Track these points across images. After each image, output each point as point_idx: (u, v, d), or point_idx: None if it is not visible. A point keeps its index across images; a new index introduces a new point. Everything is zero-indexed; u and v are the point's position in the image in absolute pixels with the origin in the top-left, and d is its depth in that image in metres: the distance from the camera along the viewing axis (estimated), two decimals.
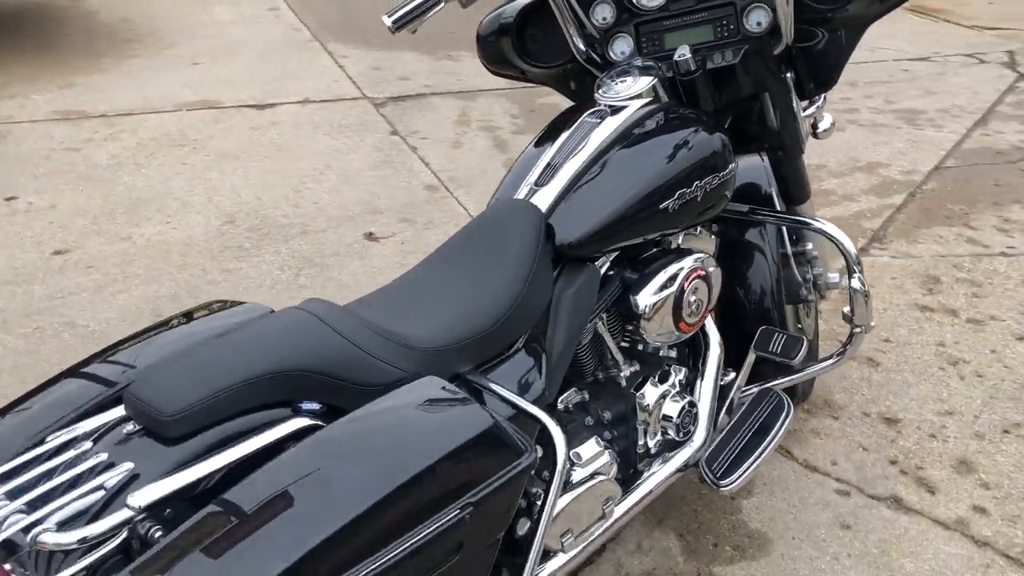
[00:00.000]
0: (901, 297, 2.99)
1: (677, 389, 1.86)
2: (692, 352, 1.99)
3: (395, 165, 3.95)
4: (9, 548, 1.15)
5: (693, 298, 1.79)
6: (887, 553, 2.04)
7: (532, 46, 2.11)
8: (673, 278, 1.75)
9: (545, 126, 1.95)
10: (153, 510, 1.14)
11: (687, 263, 1.78)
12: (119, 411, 1.29)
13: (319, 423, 1.32)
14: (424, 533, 1.18)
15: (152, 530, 1.19)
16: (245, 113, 4.46)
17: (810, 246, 2.28)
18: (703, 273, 1.80)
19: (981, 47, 5.88)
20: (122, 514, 1.14)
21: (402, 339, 1.43)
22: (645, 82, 1.84)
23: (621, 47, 1.97)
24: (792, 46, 1.90)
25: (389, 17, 1.83)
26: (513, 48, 2.08)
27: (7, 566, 1.16)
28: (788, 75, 1.96)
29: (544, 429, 1.47)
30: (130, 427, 1.27)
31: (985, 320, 2.86)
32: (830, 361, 2.07)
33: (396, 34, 1.87)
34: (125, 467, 1.21)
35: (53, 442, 1.26)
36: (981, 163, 4.06)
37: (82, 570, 1.12)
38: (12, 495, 1.16)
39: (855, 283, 1.93)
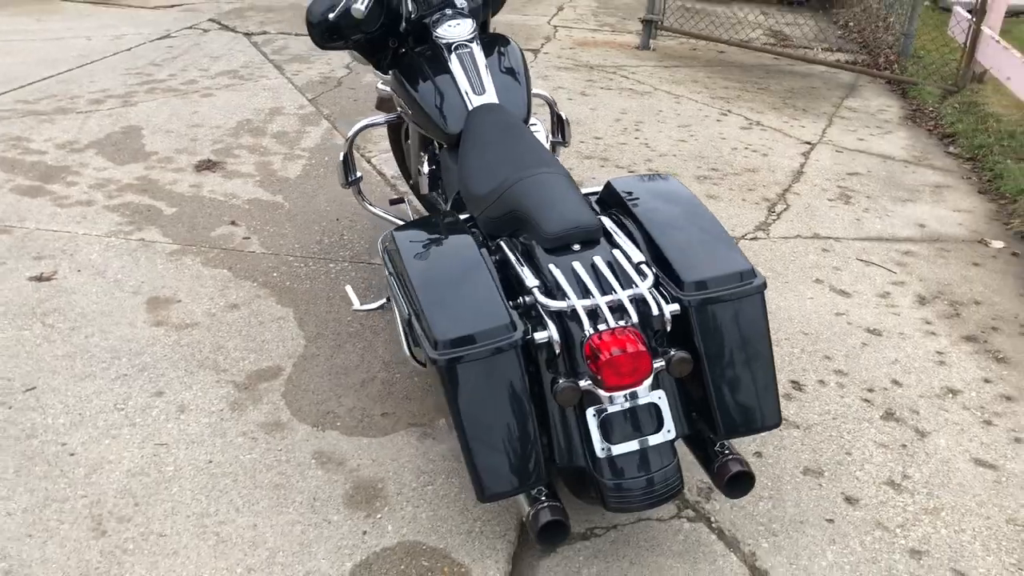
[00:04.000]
0: None
1: None
2: None
3: None
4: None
5: None
6: None
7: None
8: None
9: (403, 76, 2.91)
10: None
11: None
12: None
13: None
14: None
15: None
16: None
17: None
18: None
19: (189, 21, 7.14)
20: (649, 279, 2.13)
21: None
22: (471, 22, 2.97)
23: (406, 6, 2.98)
24: None
25: None
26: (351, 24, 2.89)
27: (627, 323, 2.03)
28: None
29: None
30: (577, 246, 2.18)
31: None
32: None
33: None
34: (637, 254, 2.16)
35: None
36: (327, 92, 5.59)
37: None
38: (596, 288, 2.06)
39: (562, 115, 3.40)
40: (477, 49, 2.90)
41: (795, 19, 8.12)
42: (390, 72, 3.05)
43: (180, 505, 2.32)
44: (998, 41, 5.69)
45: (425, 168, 3.01)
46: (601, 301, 2.02)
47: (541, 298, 2.06)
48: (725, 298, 2.09)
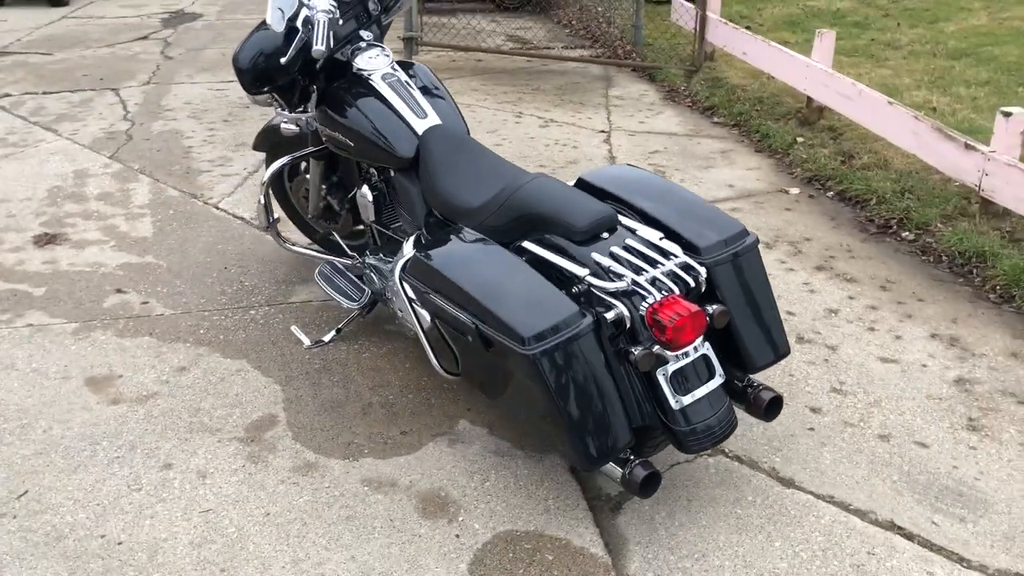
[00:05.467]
0: None
1: None
2: None
3: None
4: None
5: None
6: None
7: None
8: None
9: (334, 111, 3.03)
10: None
11: None
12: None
13: None
14: None
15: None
16: None
17: None
18: None
19: None
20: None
21: None
22: (387, 51, 3.12)
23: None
24: None
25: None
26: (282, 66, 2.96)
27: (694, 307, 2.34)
28: None
29: None
30: (605, 234, 2.47)
31: None
32: None
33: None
34: (654, 233, 2.47)
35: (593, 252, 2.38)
36: (123, 146, 5.33)
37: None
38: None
39: None
40: (404, 76, 3.06)
41: (523, 24, 8.76)
42: (318, 109, 3.12)
43: (268, 560, 2.31)
44: (726, 23, 6.60)
45: (369, 196, 3.10)
46: (657, 273, 2.31)
47: (598, 282, 2.31)
48: (735, 256, 2.46)
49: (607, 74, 7.21)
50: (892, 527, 2.44)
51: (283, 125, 3.28)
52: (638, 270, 2.34)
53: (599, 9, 8.78)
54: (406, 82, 3.04)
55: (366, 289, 3.17)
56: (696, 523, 2.45)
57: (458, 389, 3.00)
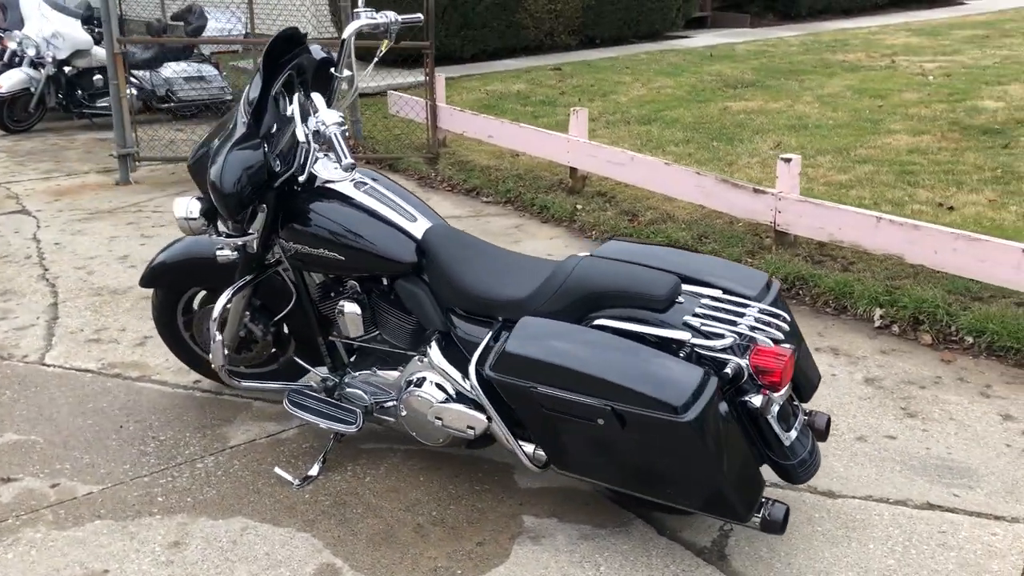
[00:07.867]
0: None
1: None
2: None
3: None
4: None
5: None
6: None
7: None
8: None
9: (306, 227, 2.88)
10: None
11: None
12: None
13: None
14: None
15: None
16: None
17: None
18: None
19: None
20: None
21: None
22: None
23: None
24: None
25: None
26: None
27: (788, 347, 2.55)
28: None
29: None
30: (681, 299, 2.63)
31: None
32: None
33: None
34: (714, 290, 2.67)
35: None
36: None
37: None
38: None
39: None
40: (373, 179, 2.96)
41: None
42: (284, 228, 2.88)
43: None
44: (461, 110, 6.97)
45: (357, 311, 2.92)
46: (752, 322, 2.50)
47: (705, 342, 2.44)
48: (776, 299, 2.72)
49: None
50: (932, 507, 2.83)
51: (220, 252, 2.97)
52: (729, 324, 2.50)
53: None
54: (380, 188, 2.93)
55: (355, 409, 2.96)
56: (797, 548, 2.64)
57: (494, 487, 2.91)
